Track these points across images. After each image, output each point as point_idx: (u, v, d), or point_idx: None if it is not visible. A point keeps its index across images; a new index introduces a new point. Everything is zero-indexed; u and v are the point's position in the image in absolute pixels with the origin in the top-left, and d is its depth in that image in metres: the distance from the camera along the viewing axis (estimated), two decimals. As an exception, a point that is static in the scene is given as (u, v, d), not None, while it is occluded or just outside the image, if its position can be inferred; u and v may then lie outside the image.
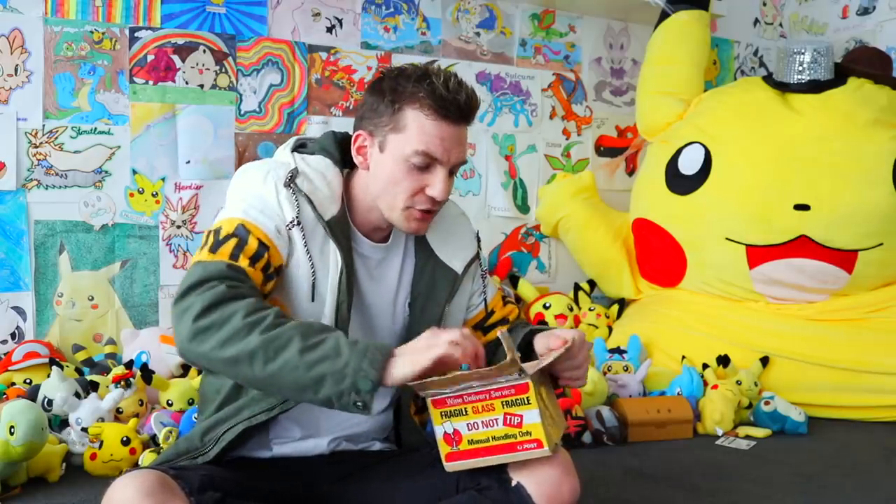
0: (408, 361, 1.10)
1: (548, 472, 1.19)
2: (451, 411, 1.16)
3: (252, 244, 1.22)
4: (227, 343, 1.11)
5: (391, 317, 1.41)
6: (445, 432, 1.18)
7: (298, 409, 1.30)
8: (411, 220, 1.31)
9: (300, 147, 1.38)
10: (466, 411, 1.16)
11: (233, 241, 1.22)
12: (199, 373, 1.99)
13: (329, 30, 2.78)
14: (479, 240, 1.53)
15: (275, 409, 1.27)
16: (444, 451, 1.18)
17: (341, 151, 1.38)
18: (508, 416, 1.15)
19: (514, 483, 1.19)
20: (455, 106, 1.25)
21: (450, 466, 1.19)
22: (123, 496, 1.08)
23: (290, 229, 1.26)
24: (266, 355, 1.09)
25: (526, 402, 1.14)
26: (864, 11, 3.38)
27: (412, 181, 1.28)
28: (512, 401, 1.14)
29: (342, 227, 1.31)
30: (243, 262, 1.20)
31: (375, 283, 1.39)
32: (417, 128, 1.25)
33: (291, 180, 1.27)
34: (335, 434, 1.39)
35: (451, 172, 1.31)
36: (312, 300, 1.28)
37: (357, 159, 1.34)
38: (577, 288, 3.07)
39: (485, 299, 1.52)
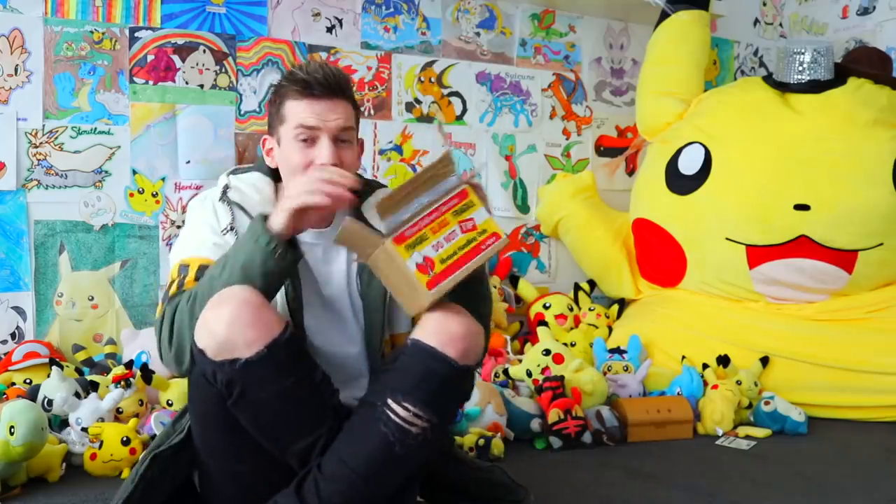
0: (279, 211, 1.28)
1: (431, 318, 1.27)
2: (413, 241, 1.23)
3: (192, 272, 1.37)
4: (190, 330, 1.25)
5: (348, 293, 1.47)
6: (417, 263, 1.23)
7: None
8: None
9: (236, 172, 1.53)
10: (426, 235, 1.24)
11: (174, 281, 1.38)
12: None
13: (329, 30, 2.78)
14: None
15: None
16: (423, 281, 1.23)
17: (275, 169, 1.51)
18: (462, 224, 1.26)
19: (410, 343, 1.28)
20: (316, 82, 1.40)
21: (433, 293, 1.23)
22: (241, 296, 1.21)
23: (224, 234, 1.40)
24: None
25: (471, 204, 1.27)
26: (864, 11, 3.38)
27: (302, 156, 1.40)
28: (460, 208, 1.27)
29: None
30: (188, 287, 1.34)
31: (329, 267, 1.49)
32: (292, 111, 1.41)
33: (224, 194, 1.45)
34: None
35: (342, 140, 1.42)
36: None
37: (268, 160, 1.50)
38: (577, 288, 3.07)
39: None
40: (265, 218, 1.29)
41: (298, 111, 1.40)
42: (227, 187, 1.46)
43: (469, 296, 1.37)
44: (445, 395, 1.28)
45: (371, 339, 1.45)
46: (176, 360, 1.30)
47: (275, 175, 1.50)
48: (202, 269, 1.35)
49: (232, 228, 1.40)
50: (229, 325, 1.18)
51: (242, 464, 1.31)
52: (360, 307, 1.47)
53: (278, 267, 1.26)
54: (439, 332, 1.25)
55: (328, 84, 1.40)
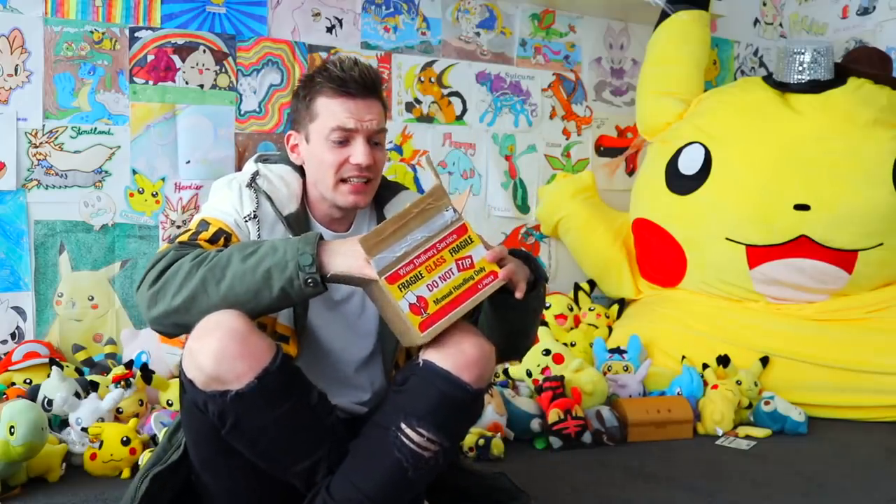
0: (343, 264, 1.19)
1: (446, 338, 1.23)
2: (407, 280, 1.19)
3: (211, 230, 1.32)
4: (181, 288, 1.19)
5: (362, 299, 1.44)
6: (410, 304, 1.19)
7: None
8: (348, 194, 1.38)
9: (265, 161, 1.49)
10: (422, 274, 1.20)
11: (190, 231, 1.32)
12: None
13: (329, 30, 2.78)
14: None
15: None
16: (416, 323, 1.19)
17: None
18: (460, 262, 1.22)
19: (420, 363, 1.24)
20: (352, 81, 1.36)
21: (425, 336, 1.20)
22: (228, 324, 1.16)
23: (246, 222, 1.36)
24: (215, 278, 1.19)
25: (469, 241, 1.23)
26: (864, 11, 3.38)
27: (336, 155, 1.36)
28: (457, 246, 1.23)
29: (300, 222, 1.40)
30: (200, 242, 1.29)
31: None
32: (327, 110, 1.37)
33: (252, 181, 1.40)
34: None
35: (374, 142, 1.39)
36: None
37: (292, 157, 1.45)
38: (577, 288, 3.07)
39: None
40: (321, 238, 1.21)
41: (333, 110, 1.36)
42: (256, 174, 1.41)
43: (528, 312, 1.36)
44: (459, 419, 1.27)
45: (385, 348, 1.44)
46: (148, 302, 1.21)
47: (301, 167, 1.46)
48: (219, 233, 1.31)
49: (255, 217, 1.35)
50: (216, 359, 1.14)
51: (238, 483, 1.30)
52: (373, 315, 1.44)
53: (301, 293, 1.19)
54: (454, 354, 1.22)
55: (364, 83, 1.36)
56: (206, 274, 1.19)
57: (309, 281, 1.17)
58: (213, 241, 1.30)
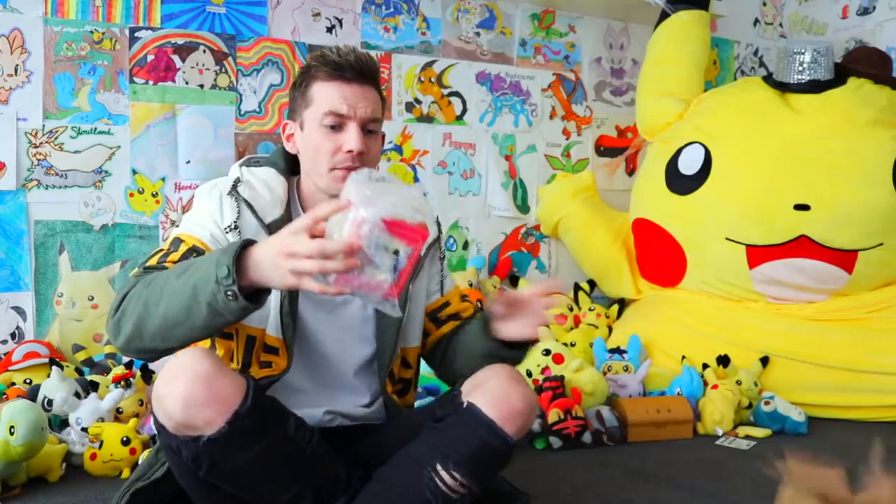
0: (265, 278, 1.08)
1: (494, 384, 1.25)
2: None
3: (182, 249, 1.29)
4: (132, 314, 1.16)
5: (359, 305, 1.43)
6: None
7: (288, 386, 1.34)
8: (339, 181, 1.33)
9: (253, 164, 1.46)
10: None
11: (162, 252, 1.29)
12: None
13: (329, 30, 2.78)
14: (439, 224, 1.57)
15: None
16: None
17: (290, 162, 1.45)
18: None
19: (465, 405, 1.24)
20: (348, 66, 1.34)
21: None
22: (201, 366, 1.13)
23: (227, 233, 1.33)
24: (154, 300, 1.14)
25: None
26: (864, 11, 3.38)
27: (329, 142, 1.34)
28: None
29: None
30: (168, 265, 1.25)
31: None
32: (322, 94, 1.35)
33: (234, 188, 1.37)
34: (330, 407, 1.41)
35: (369, 130, 1.37)
36: None
37: (288, 146, 1.43)
38: (577, 288, 3.07)
39: (441, 285, 1.54)
40: (247, 245, 1.11)
41: (328, 95, 1.34)
42: (238, 181, 1.38)
43: None
44: (494, 468, 1.28)
45: (381, 353, 1.43)
46: (113, 331, 1.19)
47: (292, 167, 1.44)
48: (192, 251, 1.28)
49: (236, 227, 1.33)
50: (183, 406, 1.11)
51: None
52: (371, 321, 1.43)
53: (227, 307, 1.09)
54: (500, 403, 1.22)
55: (360, 69, 1.35)
56: (147, 297, 1.15)
57: (229, 294, 1.07)
58: (184, 259, 1.26)
